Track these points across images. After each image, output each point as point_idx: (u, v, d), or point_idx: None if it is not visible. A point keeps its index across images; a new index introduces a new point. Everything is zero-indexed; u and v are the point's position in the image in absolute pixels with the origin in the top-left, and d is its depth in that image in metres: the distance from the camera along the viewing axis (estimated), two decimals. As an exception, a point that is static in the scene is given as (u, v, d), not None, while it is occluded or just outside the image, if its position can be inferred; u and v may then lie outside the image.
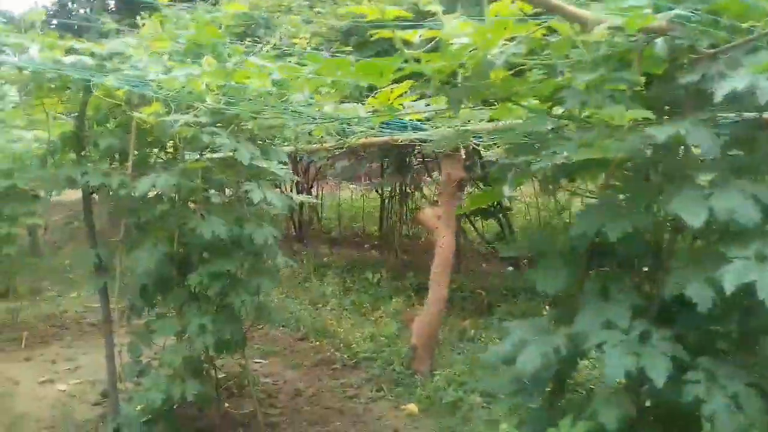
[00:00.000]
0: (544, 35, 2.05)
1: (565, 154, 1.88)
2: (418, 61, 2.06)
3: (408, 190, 9.40)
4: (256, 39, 6.27)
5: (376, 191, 10.77)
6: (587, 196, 2.20)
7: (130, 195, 3.71)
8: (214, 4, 4.68)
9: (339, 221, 13.86)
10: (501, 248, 2.22)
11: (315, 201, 8.37)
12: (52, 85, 3.72)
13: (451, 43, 2.04)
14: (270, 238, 3.75)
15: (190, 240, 3.73)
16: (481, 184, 8.61)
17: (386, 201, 10.20)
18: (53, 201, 6.65)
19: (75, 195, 4.51)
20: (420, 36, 2.01)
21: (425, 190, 9.95)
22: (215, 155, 4.18)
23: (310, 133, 4.75)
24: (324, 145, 5.48)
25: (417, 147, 8.83)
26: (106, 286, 3.98)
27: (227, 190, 4.07)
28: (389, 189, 9.67)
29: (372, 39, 2.26)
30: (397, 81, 2.34)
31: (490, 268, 9.97)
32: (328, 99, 2.68)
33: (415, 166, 9.48)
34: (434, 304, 5.06)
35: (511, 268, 10.63)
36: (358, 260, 9.98)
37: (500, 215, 8.86)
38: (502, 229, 8.94)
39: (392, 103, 2.74)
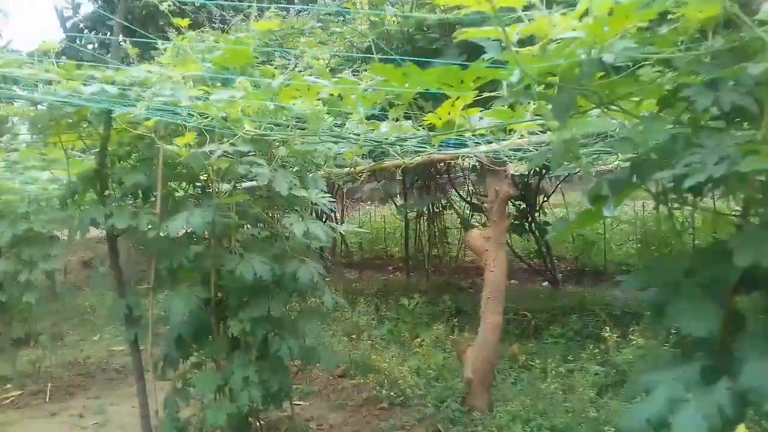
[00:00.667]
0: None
1: (715, 165, 1.50)
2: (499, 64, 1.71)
3: (437, 209, 9.02)
4: (271, 63, 5.96)
5: (398, 211, 10.41)
6: (729, 215, 1.81)
7: (158, 236, 3.36)
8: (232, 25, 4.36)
9: (361, 244, 13.50)
10: (626, 282, 1.86)
11: (361, 231, 7.93)
12: (70, 120, 3.40)
13: (554, 40, 1.69)
14: (315, 275, 3.39)
15: (228, 283, 3.36)
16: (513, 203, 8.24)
17: (414, 221, 9.82)
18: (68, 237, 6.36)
19: (94, 231, 4.19)
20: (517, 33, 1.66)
21: (453, 208, 9.55)
22: (245, 185, 3.85)
23: (337, 157, 4.40)
24: (357, 168, 5.12)
25: (444, 164, 8.53)
26: (137, 337, 3.61)
27: (260, 225, 3.71)
28: (415, 209, 9.29)
29: (397, 54, 1.91)
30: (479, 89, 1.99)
31: (524, 284, 9.56)
32: (394, 112, 2.31)
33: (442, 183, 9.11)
34: (488, 333, 4.66)
35: (546, 284, 10.23)
36: (387, 284, 9.59)
37: (535, 230, 8.46)
38: (539, 246, 8.53)
39: (455, 116, 2.40)
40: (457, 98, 2.15)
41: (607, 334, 5.22)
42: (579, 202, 11.48)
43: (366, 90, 2.21)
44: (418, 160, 5.10)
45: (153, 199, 3.88)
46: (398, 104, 2.26)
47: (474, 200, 9.06)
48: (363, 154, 4.82)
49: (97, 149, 3.50)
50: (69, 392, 6.25)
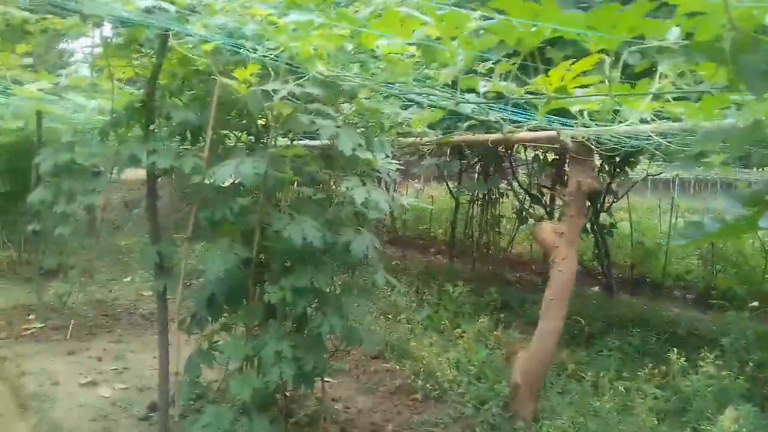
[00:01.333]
0: None
1: None
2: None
3: (495, 197, 8.53)
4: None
5: (451, 194, 9.93)
6: None
7: (203, 183, 3.00)
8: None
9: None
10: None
11: (426, 206, 7.47)
12: (121, 41, 3.04)
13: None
14: (371, 248, 2.99)
15: (272, 244, 2.99)
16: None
17: (466, 205, 9.35)
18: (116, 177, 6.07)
19: (140, 173, 3.89)
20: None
21: (515, 195, 9.03)
22: (301, 143, 3.46)
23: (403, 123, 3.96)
24: (423, 139, 4.69)
25: (507, 149, 8.02)
26: (166, 289, 3.26)
27: (315, 186, 3.32)
28: (474, 192, 8.80)
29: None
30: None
31: (577, 289, 9.03)
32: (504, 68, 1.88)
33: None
34: (546, 337, 4.22)
35: (596, 289, 9.68)
36: (430, 267, 9.18)
37: (597, 232, 7.92)
38: (599, 248, 7.99)
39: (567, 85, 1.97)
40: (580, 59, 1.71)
41: (673, 357, 4.72)
42: (645, 207, 10.77)
43: (477, 32, 1.77)
44: (494, 137, 4.66)
45: (201, 143, 3.54)
46: (508, 61, 1.81)
47: (534, 191, 8.53)
48: (431, 124, 4.37)
49: (148, 79, 3.14)
50: (91, 332, 6.03)
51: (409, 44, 2.16)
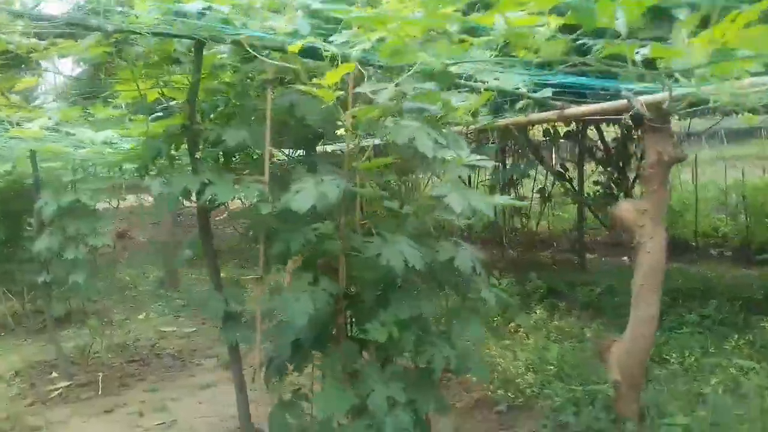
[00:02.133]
0: None
1: None
2: None
3: (515, 177, 8.12)
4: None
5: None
6: None
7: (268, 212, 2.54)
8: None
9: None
10: None
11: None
12: (152, 59, 2.57)
13: None
14: (476, 263, 2.56)
15: (363, 273, 2.55)
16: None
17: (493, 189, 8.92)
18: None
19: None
20: None
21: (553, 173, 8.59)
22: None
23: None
24: (470, 126, 4.27)
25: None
26: (237, 345, 2.81)
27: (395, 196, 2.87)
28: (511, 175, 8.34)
29: None
30: None
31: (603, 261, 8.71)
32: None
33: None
34: (642, 328, 3.81)
35: (625, 258, 9.34)
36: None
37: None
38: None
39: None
40: None
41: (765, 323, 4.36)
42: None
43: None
44: (545, 116, 4.26)
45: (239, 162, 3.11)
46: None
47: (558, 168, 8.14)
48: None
49: (186, 99, 2.67)
50: (122, 383, 5.54)
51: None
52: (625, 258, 9.37)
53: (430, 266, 2.55)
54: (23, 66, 7.38)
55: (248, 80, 2.90)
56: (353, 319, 2.71)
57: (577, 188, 7.61)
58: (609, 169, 7.54)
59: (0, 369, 6.10)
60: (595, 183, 8.15)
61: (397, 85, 1.91)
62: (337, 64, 1.95)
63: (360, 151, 2.39)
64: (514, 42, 1.85)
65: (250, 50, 2.47)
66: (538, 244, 9.58)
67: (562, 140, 8.28)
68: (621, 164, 7.46)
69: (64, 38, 2.69)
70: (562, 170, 7.96)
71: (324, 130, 2.75)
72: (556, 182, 8.29)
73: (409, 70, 2.03)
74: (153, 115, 3.84)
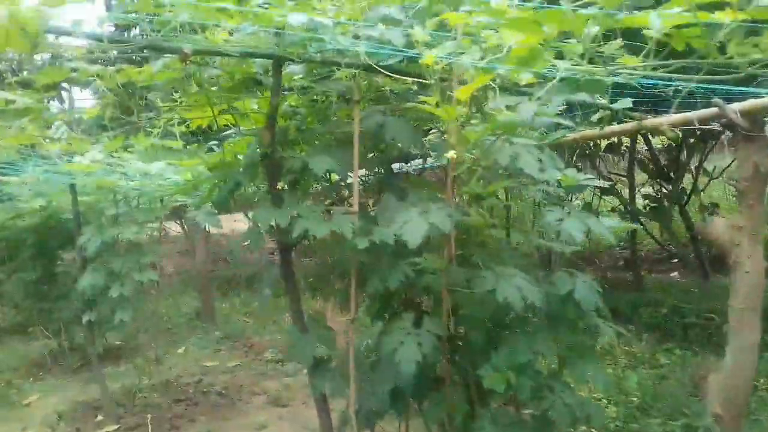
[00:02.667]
0: None
1: None
2: None
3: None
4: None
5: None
6: None
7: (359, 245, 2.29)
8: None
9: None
10: None
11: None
12: (231, 81, 2.35)
13: None
14: (595, 295, 2.29)
15: (472, 311, 2.28)
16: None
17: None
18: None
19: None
20: None
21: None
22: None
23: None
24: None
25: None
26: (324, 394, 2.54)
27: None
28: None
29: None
30: None
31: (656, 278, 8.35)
32: None
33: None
34: (743, 356, 3.48)
35: (675, 275, 8.97)
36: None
37: (682, 214, 7.24)
38: (692, 233, 7.30)
39: None
40: None
41: None
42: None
43: None
44: (623, 129, 3.99)
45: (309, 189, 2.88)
46: None
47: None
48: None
49: (265, 126, 2.44)
50: (173, 425, 5.28)
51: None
52: (674, 274, 9.02)
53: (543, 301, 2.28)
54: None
55: (325, 101, 2.67)
56: (458, 363, 2.44)
57: (628, 202, 7.31)
58: (659, 181, 7.23)
59: (43, 411, 5.88)
60: (644, 197, 7.84)
61: (538, 98, 1.66)
62: (441, 79, 1.70)
63: (468, 173, 2.13)
64: (675, 44, 1.59)
65: (341, 67, 2.25)
66: (580, 262, 9.25)
67: (603, 153, 8.01)
68: (673, 176, 7.16)
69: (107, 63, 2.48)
70: (609, 183, 7.66)
71: (417, 152, 2.51)
72: (602, 197, 7.98)
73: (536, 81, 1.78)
74: (210, 143, 3.64)
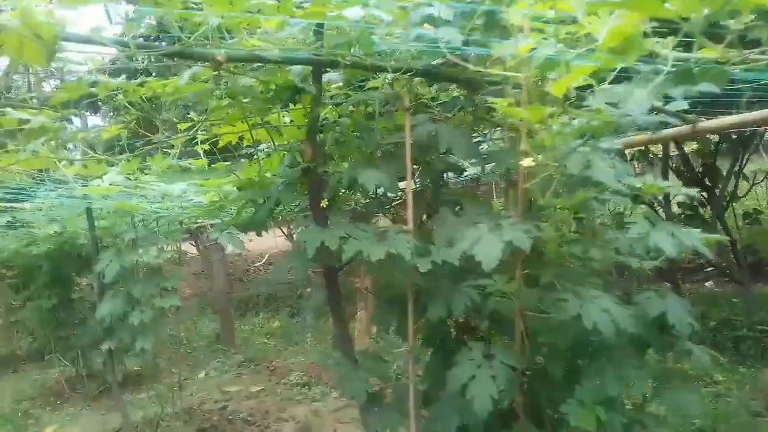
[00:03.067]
0: None
1: None
2: None
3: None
4: None
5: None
6: None
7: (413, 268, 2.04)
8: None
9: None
10: None
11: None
12: (270, 92, 2.12)
13: None
14: (690, 318, 2.03)
15: (551, 338, 2.02)
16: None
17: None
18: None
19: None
20: None
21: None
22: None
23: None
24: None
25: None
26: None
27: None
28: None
29: None
30: None
31: (699, 287, 8.04)
32: None
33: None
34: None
35: (709, 284, 8.64)
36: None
37: (718, 221, 6.93)
38: (732, 240, 6.97)
39: None
40: None
41: None
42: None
43: None
44: (673, 132, 3.73)
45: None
46: None
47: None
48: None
49: (304, 138, 2.20)
50: (201, 457, 5.04)
51: None
52: (709, 283, 8.70)
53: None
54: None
55: (362, 112, 2.44)
56: (533, 397, 2.17)
57: (664, 211, 7.01)
58: (694, 188, 6.93)
59: (63, 445, 5.65)
60: (679, 204, 7.55)
61: (648, 92, 1.41)
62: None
63: (544, 184, 1.88)
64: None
65: (388, 72, 2.01)
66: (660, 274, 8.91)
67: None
68: (709, 183, 6.87)
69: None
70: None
71: (472, 162, 2.26)
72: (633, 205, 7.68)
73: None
74: (233, 161, 3.41)
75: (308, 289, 11.10)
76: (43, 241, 6.63)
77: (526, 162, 1.73)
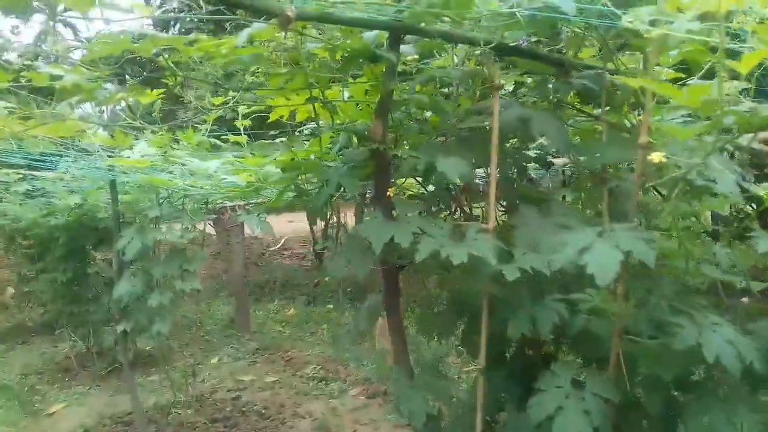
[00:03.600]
0: None
1: None
2: None
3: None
4: None
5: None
6: None
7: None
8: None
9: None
10: None
11: None
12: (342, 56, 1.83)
13: None
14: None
15: (653, 369, 1.73)
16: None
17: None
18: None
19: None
20: None
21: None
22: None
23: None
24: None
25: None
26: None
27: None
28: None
29: None
30: None
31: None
32: None
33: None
34: None
35: (745, 300, 8.29)
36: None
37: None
38: None
39: None
40: None
41: None
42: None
43: None
44: None
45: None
46: None
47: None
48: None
49: (377, 114, 1.91)
50: (214, 451, 4.79)
51: None
52: (745, 299, 8.34)
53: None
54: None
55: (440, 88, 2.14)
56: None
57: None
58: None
59: (68, 424, 5.43)
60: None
61: None
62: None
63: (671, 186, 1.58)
64: None
65: (478, 46, 1.72)
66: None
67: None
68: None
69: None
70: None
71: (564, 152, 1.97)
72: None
73: None
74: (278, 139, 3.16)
75: (326, 279, 10.87)
76: (62, 212, 6.40)
77: (657, 157, 1.43)
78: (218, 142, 3.68)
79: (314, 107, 2.04)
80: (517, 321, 1.75)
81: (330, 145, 2.60)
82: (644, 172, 1.60)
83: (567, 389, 1.67)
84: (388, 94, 1.87)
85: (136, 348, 6.96)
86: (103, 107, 3.31)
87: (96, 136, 3.51)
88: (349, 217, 11.47)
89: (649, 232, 1.58)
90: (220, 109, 2.60)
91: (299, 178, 2.52)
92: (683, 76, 2.03)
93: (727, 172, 1.65)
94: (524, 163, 2.16)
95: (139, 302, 4.73)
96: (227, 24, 1.99)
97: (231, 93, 2.39)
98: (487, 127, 2.03)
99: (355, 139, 2.39)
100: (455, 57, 2.04)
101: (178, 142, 3.51)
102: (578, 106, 2.28)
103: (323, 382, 6.30)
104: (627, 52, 2.16)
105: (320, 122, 2.46)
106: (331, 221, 11.62)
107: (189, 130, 3.42)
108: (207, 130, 3.42)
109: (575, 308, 1.79)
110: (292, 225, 13.78)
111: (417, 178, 2.33)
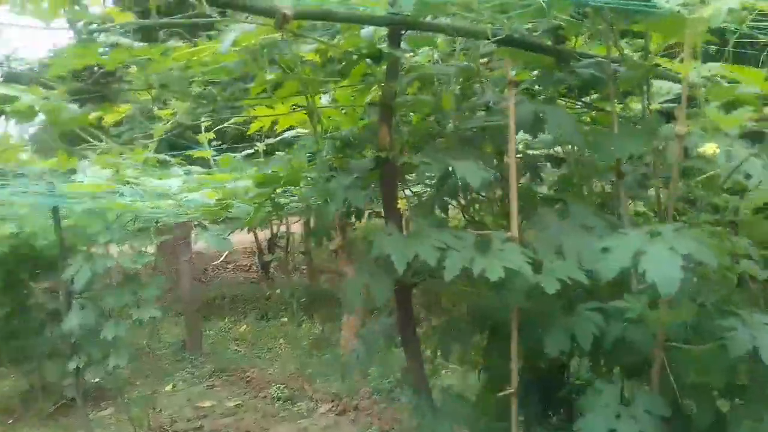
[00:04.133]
0: None
1: None
2: None
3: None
4: None
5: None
6: None
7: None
8: None
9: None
10: None
11: None
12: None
13: None
14: None
15: (693, 377, 1.62)
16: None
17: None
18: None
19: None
20: None
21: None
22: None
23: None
24: None
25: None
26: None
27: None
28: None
29: None
30: None
31: None
32: None
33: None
34: None
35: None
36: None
37: None
38: None
39: None
40: None
41: None
42: None
43: None
44: None
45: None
46: None
47: None
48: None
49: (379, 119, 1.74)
50: (180, 487, 4.49)
51: None
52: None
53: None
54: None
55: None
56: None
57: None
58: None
59: (19, 473, 5.01)
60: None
61: None
62: None
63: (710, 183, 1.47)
64: None
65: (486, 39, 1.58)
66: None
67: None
68: None
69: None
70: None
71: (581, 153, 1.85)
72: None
73: None
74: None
75: (277, 291, 10.57)
76: (-3, 242, 5.94)
77: (711, 148, 1.32)
78: (167, 158, 3.43)
79: (308, 115, 1.85)
80: (554, 336, 1.61)
81: (309, 154, 2.41)
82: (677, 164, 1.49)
83: (615, 408, 1.54)
84: (392, 96, 1.70)
85: (84, 380, 6.53)
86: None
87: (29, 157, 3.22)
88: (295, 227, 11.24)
89: (696, 230, 1.46)
90: (169, 122, 2.39)
91: (275, 191, 2.34)
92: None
93: (758, 163, 1.56)
94: (537, 163, 2.03)
95: (91, 335, 4.39)
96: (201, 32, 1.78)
97: (202, 102, 2.17)
98: (489, 126, 1.90)
99: (339, 146, 2.21)
100: (455, 51, 1.89)
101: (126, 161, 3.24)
102: (574, 98, 2.18)
103: (289, 402, 6.04)
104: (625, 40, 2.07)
105: (298, 130, 2.28)
106: (276, 231, 11.36)
107: (136, 148, 3.17)
108: (155, 145, 3.16)
109: (608, 316, 1.67)
110: (232, 236, 13.38)
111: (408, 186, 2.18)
